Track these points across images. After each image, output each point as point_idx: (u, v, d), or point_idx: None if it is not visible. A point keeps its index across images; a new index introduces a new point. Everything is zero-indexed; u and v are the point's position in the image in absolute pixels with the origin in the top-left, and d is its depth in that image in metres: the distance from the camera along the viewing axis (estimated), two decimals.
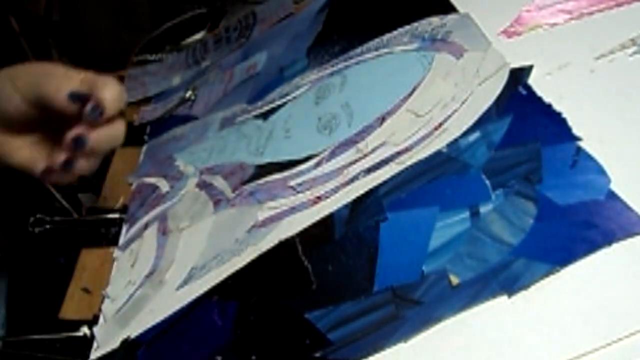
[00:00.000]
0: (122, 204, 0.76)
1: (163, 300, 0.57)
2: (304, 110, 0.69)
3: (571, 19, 0.57)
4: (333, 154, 0.60)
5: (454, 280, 0.44)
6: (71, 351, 0.58)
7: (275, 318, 0.49)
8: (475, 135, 0.52)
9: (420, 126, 0.56)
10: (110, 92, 0.45)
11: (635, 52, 0.51)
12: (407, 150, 0.55)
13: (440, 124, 0.55)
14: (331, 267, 0.50)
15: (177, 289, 0.57)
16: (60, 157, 0.47)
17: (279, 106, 0.73)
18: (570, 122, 0.48)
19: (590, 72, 0.52)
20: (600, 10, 0.56)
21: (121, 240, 0.70)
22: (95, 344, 0.57)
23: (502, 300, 0.41)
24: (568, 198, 0.44)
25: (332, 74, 0.71)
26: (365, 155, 0.58)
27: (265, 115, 0.73)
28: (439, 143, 0.54)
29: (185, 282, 0.57)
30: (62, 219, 0.73)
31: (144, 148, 0.85)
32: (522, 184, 0.47)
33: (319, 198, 0.57)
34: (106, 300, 0.61)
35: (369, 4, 0.80)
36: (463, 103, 0.56)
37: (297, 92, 0.73)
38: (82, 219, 0.74)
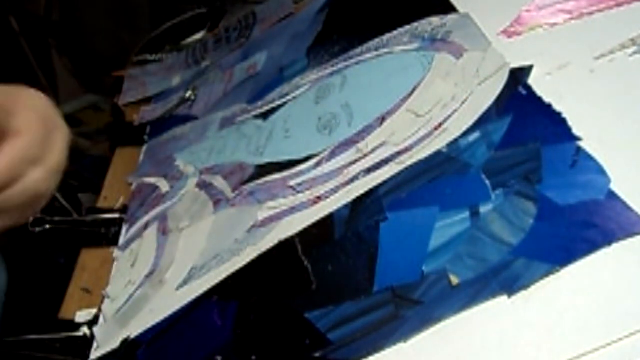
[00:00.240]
0: (122, 204, 0.76)
1: (163, 300, 0.57)
2: (304, 110, 0.69)
3: (571, 19, 0.57)
4: (333, 154, 0.60)
5: (454, 280, 0.44)
6: (71, 351, 0.58)
7: (275, 318, 0.49)
8: (475, 135, 0.52)
9: (420, 126, 0.56)
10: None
11: (635, 52, 0.51)
12: (407, 150, 0.55)
13: (440, 124, 0.55)
14: (331, 267, 0.50)
15: (177, 288, 0.57)
16: None
17: (279, 106, 0.73)
18: (570, 122, 0.48)
19: (590, 72, 0.52)
20: (600, 10, 0.56)
21: (121, 240, 0.70)
22: (95, 344, 0.57)
23: (502, 300, 0.41)
24: (568, 198, 0.44)
25: (332, 74, 0.71)
26: (365, 155, 0.58)
27: (265, 115, 0.73)
28: (439, 143, 0.54)
29: (185, 282, 0.57)
30: (62, 219, 0.73)
31: (144, 148, 0.85)
32: (522, 184, 0.46)
33: (319, 198, 0.57)
34: (106, 300, 0.61)
35: (369, 4, 0.80)
36: (463, 103, 0.56)
37: (297, 92, 0.73)
38: (82, 219, 0.74)
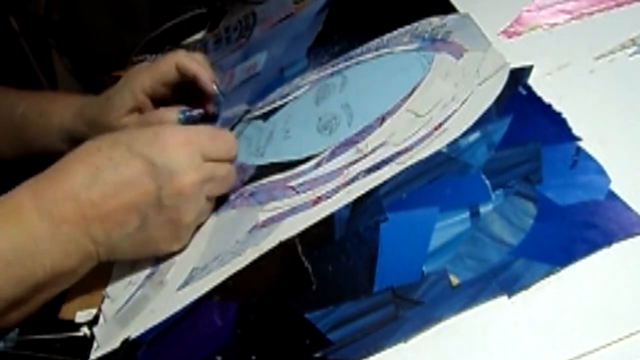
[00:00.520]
0: None
1: (164, 301, 0.57)
2: (304, 111, 0.69)
3: (571, 19, 0.57)
4: (333, 154, 0.60)
5: (454, 280, 0.44)
6: (71, 351, 0.58)
7: (276, 318, 0.49)
8: (475, 135, 0.52)
9: (420, 126, 0.57)
10: None
11: (635, 52, 0.51)
12: (407, 150, 0.55)
13: (440, 124, 0.55)
14: (331, 267, 0.50)
15: (178, 289, 0.57)
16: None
17: (280, 106, 0.73)
18: (570, 122, 0.48)
19: (590, 72, 0.52)
20: (600, 10, 0.56)
21: None
22: (95, 344, 0.57)
23: (502, 300, 0.41)
24: (568, 198, 0.44)
25: (332, 74, 0.71)
26: (366, 156, 0.58)
27: (265, 116, 0.73)
28: (439, 143, 0.54)
29: (186, 282, 0.57)
30: None
31: None
32: (522, 184, 0.47)
33: (319, 198, 0.57)
34: (106, 301, 0.61)
35: (369, 4, 0.80)
36: (463, 103, 0.56)
37: (298, 93, 0.73)
38: None
